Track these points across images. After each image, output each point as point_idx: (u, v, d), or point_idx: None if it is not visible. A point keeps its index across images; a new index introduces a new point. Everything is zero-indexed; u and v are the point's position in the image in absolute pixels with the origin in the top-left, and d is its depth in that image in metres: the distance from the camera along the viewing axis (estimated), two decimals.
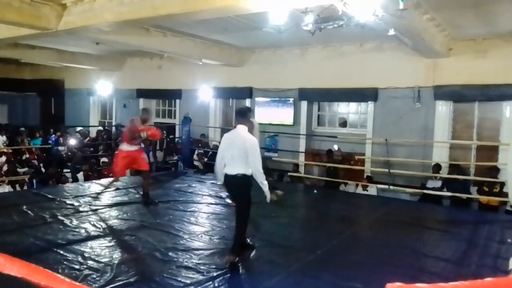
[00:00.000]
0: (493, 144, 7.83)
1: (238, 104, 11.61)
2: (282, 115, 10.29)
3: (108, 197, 6.59)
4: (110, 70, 13.36)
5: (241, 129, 4.06)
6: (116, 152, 6.49)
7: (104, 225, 5.04)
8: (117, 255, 4.07)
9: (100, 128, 13.92)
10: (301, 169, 9.46)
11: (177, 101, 12.64)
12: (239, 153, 3.90)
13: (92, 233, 4.70)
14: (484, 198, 7.08)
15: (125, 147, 6.04)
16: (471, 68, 7.81)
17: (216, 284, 3.47)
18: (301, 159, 9.66)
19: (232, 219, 5.53)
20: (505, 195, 6.21)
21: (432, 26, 6.85)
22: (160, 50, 9.38)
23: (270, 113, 10.46)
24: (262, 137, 10.49)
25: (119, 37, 8.19)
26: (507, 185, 5.41)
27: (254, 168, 3.91)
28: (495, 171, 7.29)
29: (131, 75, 13.21)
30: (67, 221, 5.10)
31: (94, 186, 7.27)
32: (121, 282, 3.43)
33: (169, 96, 12.88)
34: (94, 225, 5.00)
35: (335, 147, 9.11)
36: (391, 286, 0.85)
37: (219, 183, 4.33)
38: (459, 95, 8.10)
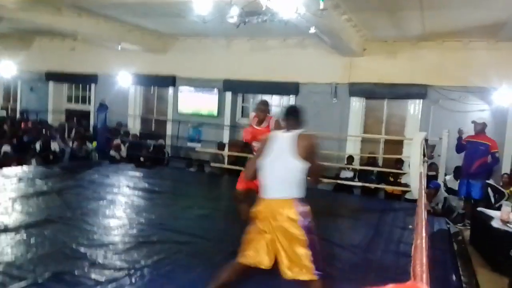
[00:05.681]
0: (398, 138, 8.62)
1: (160, 92, 11.21)
2: (206, 105, 10.19)
3: (10, 189, 5.98)
4: (15, 49, 12.03)
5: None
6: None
7: (5, 220, 4.55)
8: (21, 253, 3.71)
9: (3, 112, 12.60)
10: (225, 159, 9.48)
11: (93, 86, 11.85)
12: None
13: None
14: (389, 188, 7.76)
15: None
16: (382, 68, 8.44)
17: (133, 281, 3.33)
18: (226, 150, 9.66)
19: (152, 211, 5.40)
20: (407, 185, 6.88)
21: (349, 26, 7.25)
22: (74, 31, 8.66)
23: (194, 103, 10.30)
24: (185, 127, 10.34)
25: (26, 14, 7.39)
26: (409, 176, 5.99)
27: None
28: (399, 163, 8.04)
29: (39, 56, 12.04)
30: None
31: None
32: (25, 284, 3.14)
33: (83, 80, 12.01)
34: None
35: None
36: None
37: None
38: (371, 92, 8.73)
